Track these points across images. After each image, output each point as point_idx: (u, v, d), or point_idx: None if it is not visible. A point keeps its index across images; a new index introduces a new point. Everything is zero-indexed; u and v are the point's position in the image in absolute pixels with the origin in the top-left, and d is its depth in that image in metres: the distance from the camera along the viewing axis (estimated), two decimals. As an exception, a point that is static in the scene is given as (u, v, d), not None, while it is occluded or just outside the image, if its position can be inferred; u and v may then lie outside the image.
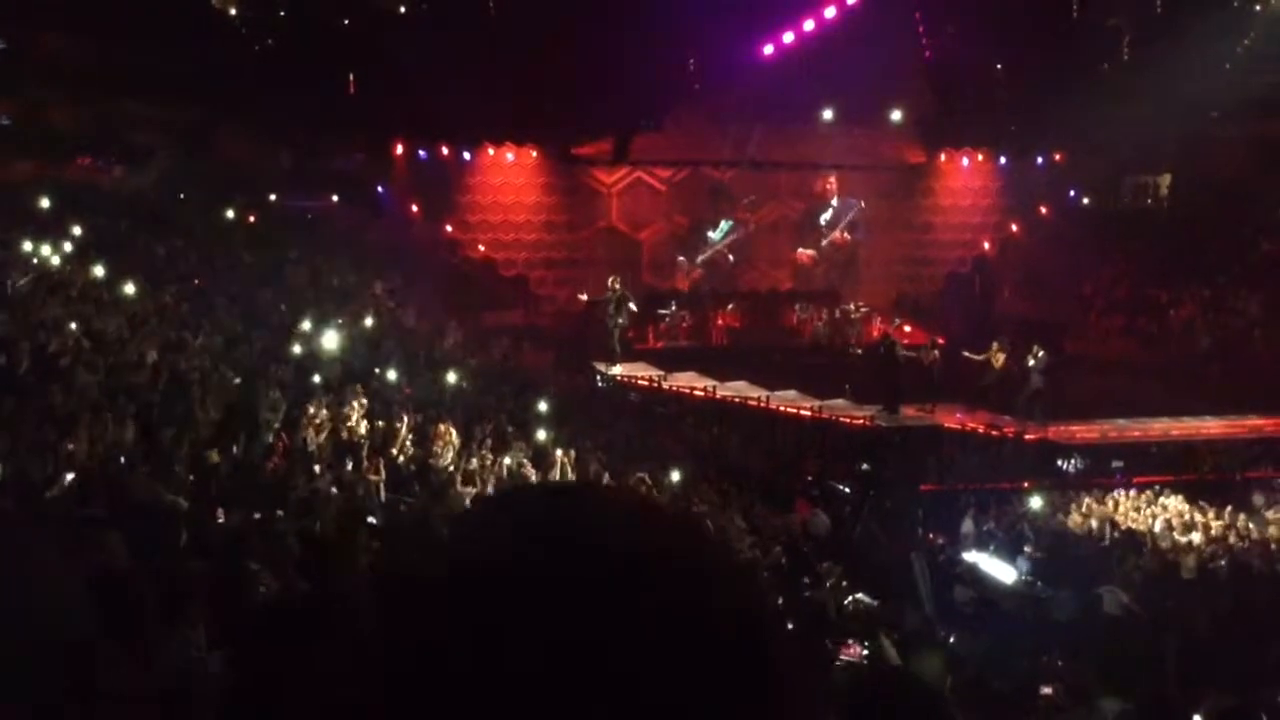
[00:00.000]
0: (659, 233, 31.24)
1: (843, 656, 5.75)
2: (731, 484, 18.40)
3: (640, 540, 0.80)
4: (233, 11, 29.06)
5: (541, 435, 16.43)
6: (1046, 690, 9.15)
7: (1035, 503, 19.34)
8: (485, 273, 29.59)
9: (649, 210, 31.14)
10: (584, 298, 24.48)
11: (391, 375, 17.73)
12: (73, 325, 14.67)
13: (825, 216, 32.36)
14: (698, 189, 31.35)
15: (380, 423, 14.85)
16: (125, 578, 4.06)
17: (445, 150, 29.55)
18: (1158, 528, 18.65)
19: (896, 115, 31.33)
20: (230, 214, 25.34)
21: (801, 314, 29.62)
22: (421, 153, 29.47)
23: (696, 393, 22.56)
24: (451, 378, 18.51)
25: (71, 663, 1.43)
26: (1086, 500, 20.10)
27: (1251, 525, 18.72)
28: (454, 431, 15.21)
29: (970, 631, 13.12)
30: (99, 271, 18.83)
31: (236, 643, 3.64)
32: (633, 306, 24.21)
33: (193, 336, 16.35)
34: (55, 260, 18.86)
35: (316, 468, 12.53)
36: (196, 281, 20.74)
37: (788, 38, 29.55)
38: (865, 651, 5.83)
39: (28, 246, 18.84)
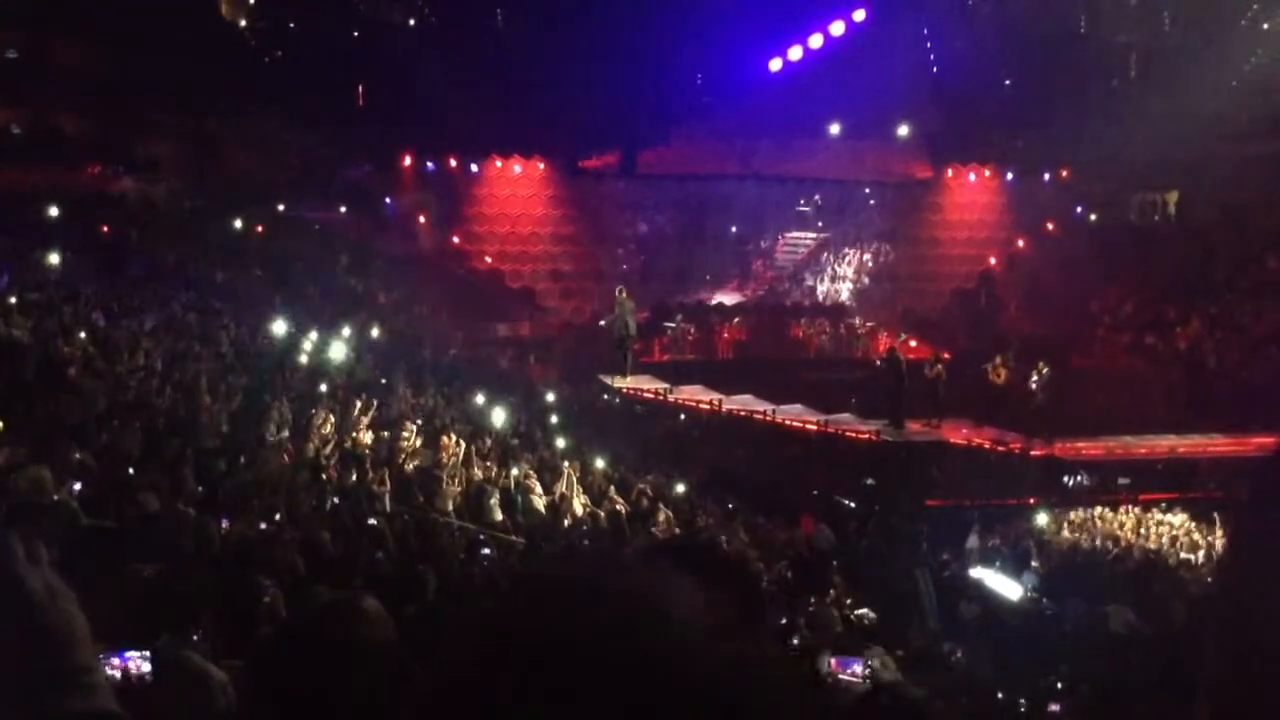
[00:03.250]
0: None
1: (843, 675, 5.73)
2: (736, 497, 18.37)
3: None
4: (243, 23, 29.20)
5: (548, 446, 16.43)
6: (1054, 707, 9.12)
7: (1041, 519, 19.29)
8: (492, 284, 29.64)
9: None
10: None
11: (398, 386, 17.75)
12: (81, 334, 14.71)
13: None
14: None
15: (386, 433, 14.86)
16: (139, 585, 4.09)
17: (453, 162, 29.66)
18: (1164, 545, 18.59)
19: (903, 131, 31.41)
20: (239, 224, 25.41)
21: (807, 328, 29.63)
22: (429, 164, 29.58)
23: (702, 406, 22.52)
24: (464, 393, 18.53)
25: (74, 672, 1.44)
26: (1092, 516, 20.05)
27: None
28: (461, 442, 15.21)
29: (975, 648, 13.07)
30: (108, 280, 18.88)
31: (247, 664, 3.64)
32: (630, 322, 23.65)
33: (200, 346, 16.38)
34: (64, 268, 18.91)
35: (323, 477, 12.53)
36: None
37: (795, 54, 29.64)
38: (866, 670, 5.82)
39: (37, 254, 18.90)
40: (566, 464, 15.55)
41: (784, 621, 9.76)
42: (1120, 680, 11.00)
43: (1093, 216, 33.42)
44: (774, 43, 29.49)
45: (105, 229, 23.19)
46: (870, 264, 32.87)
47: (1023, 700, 9.70)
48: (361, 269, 26.73)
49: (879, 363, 22.38)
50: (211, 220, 25.28)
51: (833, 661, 5.67)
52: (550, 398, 21.12)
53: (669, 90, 28.38)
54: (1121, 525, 19.80)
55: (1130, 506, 20.59)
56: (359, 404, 15.24)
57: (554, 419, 18.45)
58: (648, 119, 28.91)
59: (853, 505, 18.92)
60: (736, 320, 29.46)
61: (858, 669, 5.61)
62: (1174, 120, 28.23)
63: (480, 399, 18.92)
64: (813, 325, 29.70)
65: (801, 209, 32.28)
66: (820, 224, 32.50)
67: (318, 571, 7.79)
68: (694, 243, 31.41)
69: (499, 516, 13.82)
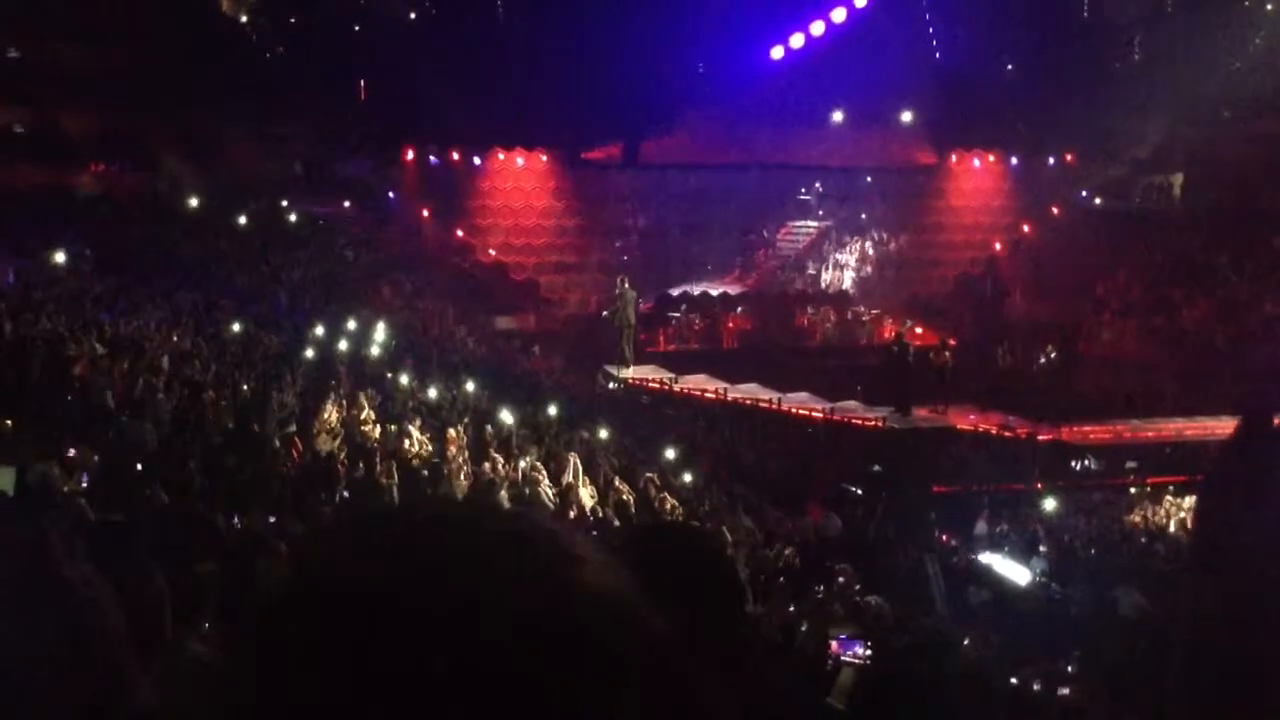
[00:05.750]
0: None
1: (845, 656, 5.76)
2: (743, 486, 18.37)
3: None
4: (244, 19, 29.17)
5: (554, 438, 16.46)
6: (1064, 691, 9.12)
7: (1049, 504, 19.26)
8: (496, 277, 29.64)
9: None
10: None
11: (404, 379, 17.77)
12: (87, 332, 14.74)
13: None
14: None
15: (392, 426, 14.89)
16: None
17: (455, 155, 29.65)
18: (1172, 528, 18.57)
19: (907, 116, 31.35)
20: (243, 220, 25.43)
21: (812, 316, 29.59)
22: (432, 158, 29.58)
23: (708, 395, 22.54)
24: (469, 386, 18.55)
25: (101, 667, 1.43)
26: (1098, 499, 20.04)
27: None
28: (465, 436, 15.24)
29: (984, 633, 13.07)
30: (113, 278, 18.92)
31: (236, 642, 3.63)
32: (627, 313, 23.62)
33: (206, 342, 16.42)
34: (69, 267, 18.95)
35: (334, 470, 12.55)
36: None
37: (797, 41, 29.57)
38: (869, 652, 5.84)
39: (42, 253, 18.95)
40: (573, 455, 15.57)
41: (792, 608, 9.77)
42: (1130, 663, 11.00)
43: (1098, 200, 33.32)
44: (775, 31, 29.42)
45: (109, 227, 23.21)
46: (874, 251, 32.81)
47: (1036, 684, 9.69)
48: (366, 264, 26.74)
49: (892, 348, 22.33)
50: (215, 216, 25.30)
51: (834, 644, 5.69)
52: (555, 389, 21.12)
53: (671, 80, 28.30)
54: (1130, 508, 19.79)
55: (1139, 490, 20.57)
56: (365, 397, 15.29)
57: (559, 410, 18.44)
58: (650, 109, 28.84)
59: (860, 492, 18.91)
60: (741, 309, 29.42)
61: (859, 650, 5.63)
62: (1178, 102, 28.14)
63: (487, 391, 18.95)
64: (818, 313, 29.66)
65: (803, 197, 32.24)
66: (822, 212, 32.44)
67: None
68: (697, 233, 31.36)
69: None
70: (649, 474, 15.99)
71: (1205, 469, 1.45)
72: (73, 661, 1.36)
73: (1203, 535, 1.34)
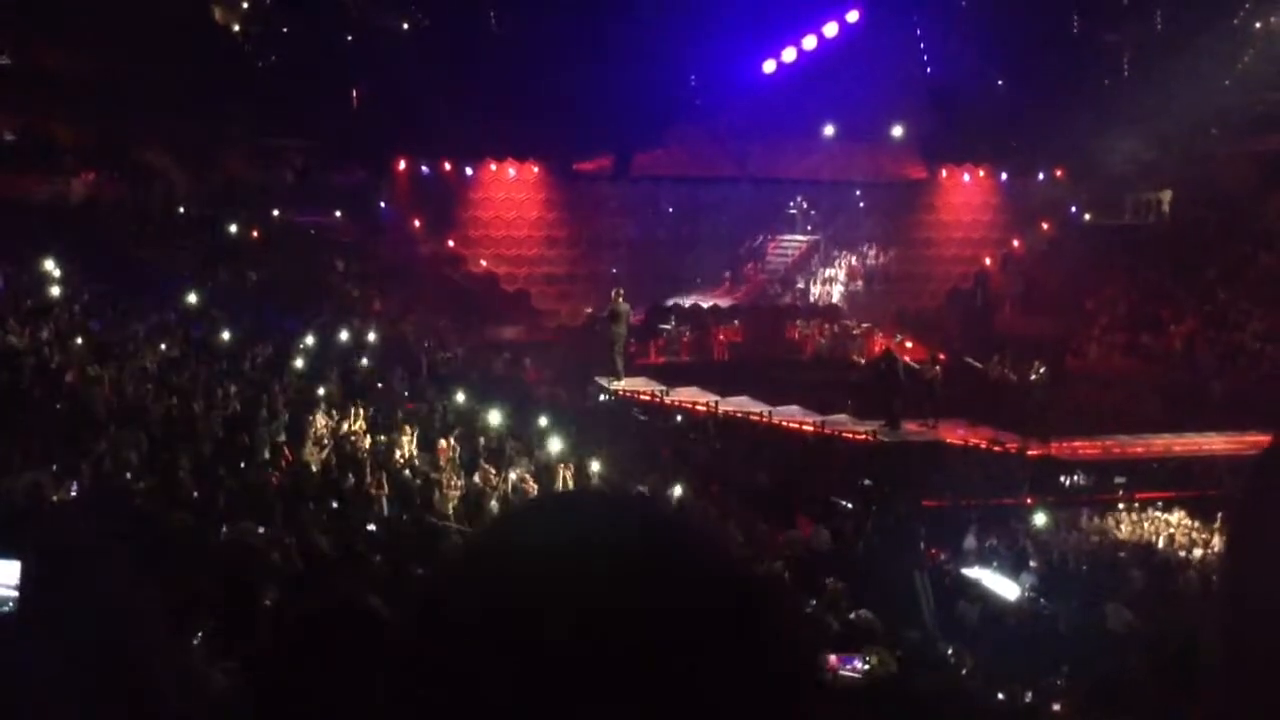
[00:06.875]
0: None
1: (843, 671, 5.76)
2: (733, 499, 18.35)
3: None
4: (236, 28, 29.17)
5: (545, 450, 16.43)
6: (1056, 707, 9.14)
7: (1039, 519, 19.28)
8: (487, 288, 29.64)
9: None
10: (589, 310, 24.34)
11: (395, 390, 17.75)
12: (77, 341, 14.71)
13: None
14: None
15: (383, 437, 14.86)
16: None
17: (447, 166, 29.67)
18: (1160, 544, 18.61)
19: (898, 131, 31.45)
20: (234, 229, 25.39)
21: (803, 329, 29.62)
22: (424, 168, 29.59)
23: (698, 408, 22.53)
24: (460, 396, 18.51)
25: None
26: (1087, 515, 20.08)
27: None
28: (456, 447, 15.21)
29: (973, 648, 13.06)
30: (103, 287, 18.87)
31: (252, 658, 3.63)
32: (619, 326, 23.53)
33: (196, 351, 16.39)
34: (59, 275, 18.88)
35: (322, 481, 12.51)
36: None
37: (789, 55, 29.68)
38: (865, 666, 5.85)
39: (33, 262, 18.88)
40: (563, 466, 15.54)
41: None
42: (1119, 678, 11.02)
43: (1087, 216, 33.47)
44: (767, 44, 29.52)
45: (100, 236, 23.16)
46: (865, 265, 32.91)
47: (1028, 695, 9.70)
48: (357, 274, 26.71)
49: (881, 363, 22.38)
50: (206, 226, 25.25)
51: (833, 659, 5.69)
52: (545, 401, 21.10)
53: (663, 93, 28.37)
54: (1119, 524, 19.83)
55: (1127, 505, 20.62)
56: (355, 407, 15.26)
57: (549, 422, 18.42)
58: (641, 122, 28.88)
59: (850, 506, 18.90)
60: (734, 322, 29.45)
61: (858, 665, 5.63)
62: (1168, 119, 28.31)
63: (477, 403, 18.92)
64: (809, 326, 29.69)
65: (791, 211, 32.38)
66: (810, 226, 32.56)
67: (316, 575, 7.79)
68: (687, 245, 31.40)
69: (497, 520, 13.80)
70: (639, 486, 15.98)
71: (1233, 490, 1.44)
72: (114, 672, 1.38)
73: (1234, 558, 1.33)
